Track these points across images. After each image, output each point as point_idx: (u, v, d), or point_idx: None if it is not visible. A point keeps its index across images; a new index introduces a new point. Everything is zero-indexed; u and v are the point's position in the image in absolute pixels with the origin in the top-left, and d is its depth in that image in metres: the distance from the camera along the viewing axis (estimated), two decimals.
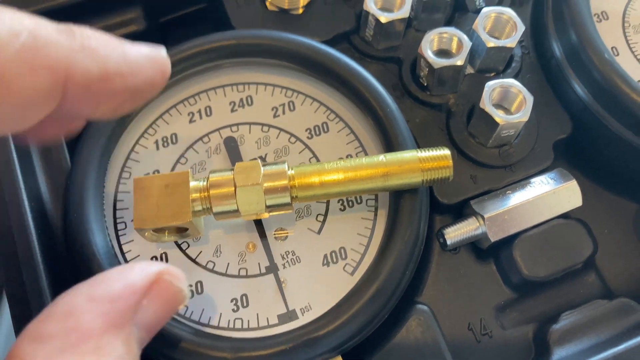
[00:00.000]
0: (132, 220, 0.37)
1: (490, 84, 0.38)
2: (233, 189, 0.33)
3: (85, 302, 0.24)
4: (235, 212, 0.33)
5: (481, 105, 0.38)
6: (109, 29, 0.44)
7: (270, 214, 0.35)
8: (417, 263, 0.36)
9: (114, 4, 0.43)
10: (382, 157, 0.34)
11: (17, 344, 0.23)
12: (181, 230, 0.34)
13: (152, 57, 0.28)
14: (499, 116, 0.37)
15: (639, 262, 0.42)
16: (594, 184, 0.44)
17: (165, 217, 0.32)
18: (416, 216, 0.35)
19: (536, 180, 0.40)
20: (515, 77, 0.42)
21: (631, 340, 0.34)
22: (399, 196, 0.36)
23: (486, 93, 0.38)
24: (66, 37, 0.24)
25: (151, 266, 0.27)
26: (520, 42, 0.44)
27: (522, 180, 0.40)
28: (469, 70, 0.42)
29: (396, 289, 0.34)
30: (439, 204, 0.39)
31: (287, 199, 0.33)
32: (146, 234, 0.33)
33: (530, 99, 0.38)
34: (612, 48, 0.43)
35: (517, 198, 0.39)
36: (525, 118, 0.38)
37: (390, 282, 0.34)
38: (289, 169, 0.34)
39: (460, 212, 0.40)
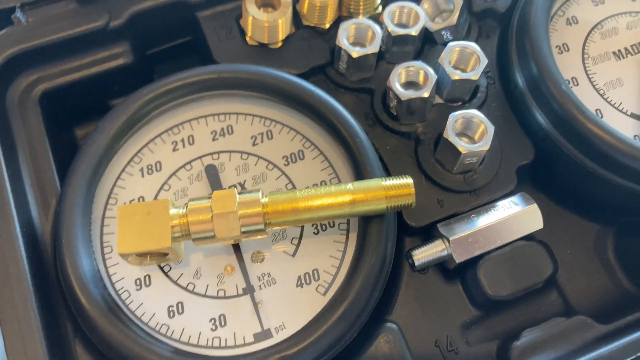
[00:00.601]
0: None
1: (453, 114, 0.41)
2: (210, 215, 0.35)
3: None
4: (212, 238, 0.36)
5: (445, 135, 0.40)
6: (97, 62, 0.46)
7: (246, 238, 0.37)
8: (385, 283, 0.38)
9: (102, 39, 0.45)
10: (349, 186, 0.36)
11: None
12: (162, 255, 0.36)
13: None
14: (461, 145, 0.40)
15: (600, 280, 0.45)
16: (558, 206, 0.47)
17: (146, 242, 0.35)
18: (383, 240, 0.37)
19: (500, 204, 0.43)
20: (481, 106, 0.45)
21: (585, 355, 0.37)
22: (366, 221, 0.38)
23: (449, 124, 0.41)
24: None
25: None
26: (486, 72, 0.47)
27: (486, 204, 0.42)
28: (437, 100, 0.45)
29: (364, 308, 0.37)
30: (408, 227, 0.42)
31: (261, 226, 0.36)
32: (129, 258, 0.36)
33: (491, 128, 0.41)
34: (572, 78, 0.46)
35: (481, 221, 0.41)
36: (487, 147, 0.40)
37: (358, 302, 0.36)
38: (262, 197, 0.36)
39: (428, 234, 0.43)
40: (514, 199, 0.43)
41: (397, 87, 0.42)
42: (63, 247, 0.37)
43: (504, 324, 0.42)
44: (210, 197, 0.36)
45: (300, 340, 0.35)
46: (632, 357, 0.36)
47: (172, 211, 0.36)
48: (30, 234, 0.39)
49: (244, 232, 0.36)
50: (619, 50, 0.47)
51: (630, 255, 0.45)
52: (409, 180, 0.36)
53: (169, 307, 0.38)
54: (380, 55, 0.45)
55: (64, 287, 0.37)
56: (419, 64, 0.43)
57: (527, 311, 0.42)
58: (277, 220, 0.36)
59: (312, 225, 0.40)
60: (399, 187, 0.36)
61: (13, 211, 0.38)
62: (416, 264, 0.41)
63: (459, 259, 0.40)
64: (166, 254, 0.36)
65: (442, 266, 0.43)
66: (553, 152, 0.44)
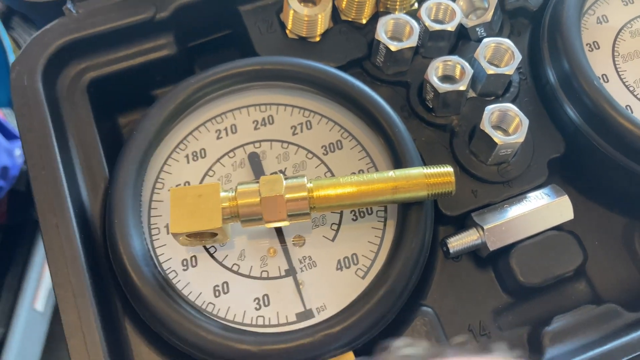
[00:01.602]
0: (165, 226, 0.41)
1: (489, 107, 0.42)
2: (259, 199, 0.37)
3: None
4: (260, 220, 0.37)
5: (481, 126, 0.42)
6: (141, 53, 0.48)
7: (291, 222, 0.38)
8: (422, 269, 0.40)
9: (148, 31, 0.47)
10: (391, 173, 0.38)
11: None
12: (212, 235, 0.38)
13: None
14: (497, 137, 0.41)
15: (627, 271, 0.46)
16: (587, 199, 0.48)
17: (198, 223, 0.36)
18: (422, 227, 0.39)
19: (532, 195, 0.44)
20: (513, 100, 0.46)
21: (615, 341, 0.38)
22: (406, 208, 0.40)
23: (486, 116, 0.42)
24: None
25: None
26: (518, 68, 0.48)
27: (518, 195, 0.44)
28: (471, 94, 0.46)
29: (403, 291, 0.38)
30: (443, 216, 0.43)
31: (306, 209, 0.37)
32: (180, 238, 0.37)
33: (525, 121, 0.42)
34: (602, 75, 0.47)
35: (514, 211, 0.43)
36: (521, 139, 0.42)
37: (397, 285, 0.38)
38: (308, 182, 0.38)
39: (462, 223, 0.44)
40: (545, 190, 0.44)
41: (435, 80, 0.43)
42: (115, 227, 0.39)
43: (535, 311, 0.43)
44: (258, 182, 0.38)
45: (343, 320, 0.37)
46: None
47: (222, 194, 0.37)
48: (82, 215, 0.41)
49: (289, 215, 0.37)
50: None
51: None
52: (449, 169, 0.38)
53: (214, 287, 0.39)
54: (416, 50, 0.47)
55: (115, 265, 0.39)
56: (455, 58, 0.44)
57: (557, 299, 0.44)
58: (321, 205, 0.38)
59: (351, 212, 0.42)
60: (440, 175, 0.38)
61: (66, 193, 0.40)
62: (451, 251, 0.42)
63: (492, 247, 0.42)
64: (215, 235, 0.38)
65: (474, 254, 0.44)
66: (583, 146, 0.45)
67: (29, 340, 1.05)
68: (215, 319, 0.38)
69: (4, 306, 1.04)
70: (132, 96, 0.49)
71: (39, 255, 1.09)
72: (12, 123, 0.97)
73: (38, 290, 1.09)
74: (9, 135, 0.94)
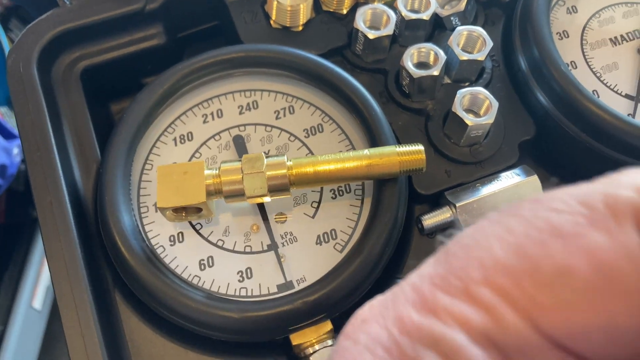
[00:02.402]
0: (153, 204, 0.43)
1: (461, 91, 0.45)
2: (241, 175, 0.39)
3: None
4: (242, 196, 0.40)
5: (453, 109, 0.44)
6: (133, 42, 0.50)
7: (272, 198, 0.41)
8: (397, 243, 0.42)
9: (139, 21, 0.49)
10: (366, 151, 0.40)
11: None
12: (197, 211, 0.40)
13: None
14: (468, 119, 0.44)
15: None
16: (557, 179, 0.50)
17: (183, 198, 0.39)
18: (395, 202, 0.41)
19: (503, 175, 0.46)
20: (486, 86, 0.49)
21: None
22: (381, 185, 0.42)
23: (457, 99, 0.44)
24: None
25: None
26: (491, 56, 0.50)
27: (490, 175, 0.46)
28: (446, 80, 0.49)
29: (377, 263, 0.40)
30: (418, 195, 0.45)
31: (286, 185, 0.40)
32: (167, 213, 0.40)
33: (495, 104, 0.45)
34: (571, 62, 0.50)
35: (485, 190, 0.45)
36: (491, 120, 0.44)
37: (371, 256, 0.40)
38: (287, 160, 0.40)
39: (436, 202, 0.46)
40: (517, 170, 0.46)
41: (410, 66, 0.46)
42: (106, 204, 0.41)
43: None
44: (240, 160, 0.40)
45: (320, 288, 0.39)
46: None
47: (207, 171, 0.40)
48: (75, 194, 0.43)
49: (270, 191, 0.40)
50: (615, 37, 0.51)
51: None
52: (420, 147, 0.40)
53: (200, 261, 0.42)
54: (394, 39, 0.49)
55: (105, 240, 0.41)
56: (429, 45, 0.46)
57: None
58: (300, 181, 0.40)
59: (330, 190, 0.44)
60: (411, 153, 0.40)
61: (60, 173, 0.42)
62: (425, 228, 0.44)
63: (464, 223, 0.44)
64: (200, 210, 0.40)
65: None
66: (553, 129, 0.47)
67: (26, 339, 1.06)
68: (201, 289, 0.41)
69: (2, 304, 1.06)
70: (124, 84, 0.52)
71: (37, 254, 1.11)
72: (10, 122, 0.99)
73: (36, 289, 1.10)
74: (7, 135, 0.96)
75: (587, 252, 0.16)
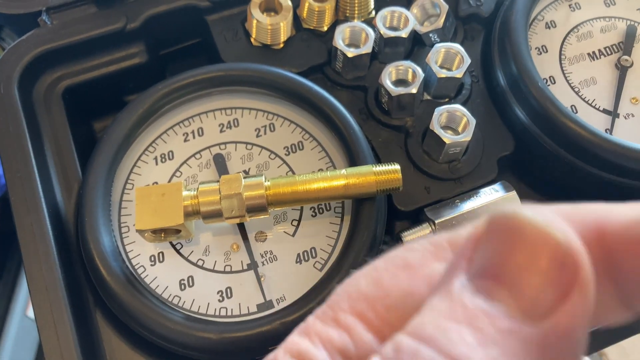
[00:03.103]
0: (134, 224, 0.44)
1: (438, 109, 0.45)
2: (218, 197, 0.40)
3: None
4: (220, 217, 0.40)
5: (431, 127, 0.45)
6: (115, 61, 0.50)
7: (250, 218, 0.41)
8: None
9: (120, 40, 0.50)
10: (343, 171, 0.41)
11: None
12: (175, 232, 0.41)
13: None
14: (445, 136, 0.44)
15: None
16: (537, 194, 0.51)
17: (161, 220, 0.39)
18: (373, 220, 0.41)
19: (482, 191, 0.47)
20: (465, 102, 0.49)
21: None
22: (359, 204, 0.42)
23: (435, 117, 0.45)
24: None
25: None
26: (470, 71, 0.51)
27: (470, 191, 0.47)
28: (425, 96, 0.49)
29: None
30: (399, 211, 0.46)
31: (264, 206, 0.40)
32: (146, 234, 0.40)
33: (472, 121, 0.45)
34: (549, 77, 0.50)
35: (465, 206, 0.45)
36: (469, 137, 0.45)
37: (350, 275, 0.40)
38: (265, 181, 0.40)
39: (417, 218, 0.47)
40: (496, 186, 0.47)
41: (388, 84, 0.46)
42: (86, 225, 0.41)
43: None
44: (218, 181, 0.40)
45: (298, 308, 0.39)
46: None
47: (185, 193, 0.40)
48: (56, 215, 0.43)
49: (248, 212, 0.40)
50: (593, 52, 0.51)
51: None
52: (396, 167, 0.41)
53: (180, 281, 0.42)
54: (373, 56, 0.50)
55: (86, 261, 0.42)
56: (407, 63, 0.47)
57: None
58: (278, 201, 0.40)
59: (310, 209, 0.45)
60: (388, 172, 0.40)
61: (40, 194, 0.43)
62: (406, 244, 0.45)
63: None
64: (179, 231, 0.40)
65: None
66: (531, 145, 0.48)
67: (21, 348, 1.06)
68: (181, 310, 0.41)
69: None
70: (106, 102, 0.52)
71: None
72: None
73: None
74: None
75: (427, 277, 0.20)
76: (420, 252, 0.21)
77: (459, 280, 0.19)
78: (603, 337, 0.42)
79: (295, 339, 0.20)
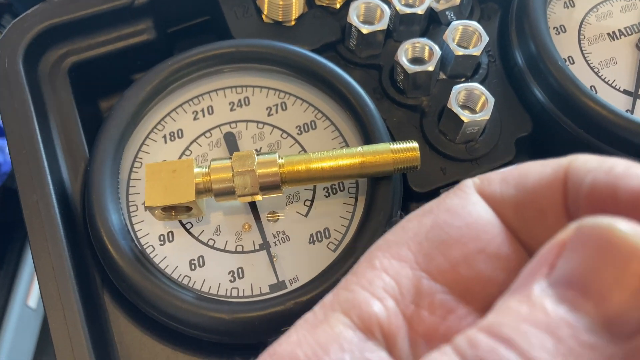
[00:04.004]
0: (142, 203, 0.42)
1: (456, 87, 0.44)
2: (231, 174, 0.38)
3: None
4: (233, 194, 0.39)
5: (448, 105, 0.43)
6: (121, 38, 0.49)
7: (263, 196, 0.40)
8: None
9: (127, 16, 0.48)
10: (359, 149, 0.39)
11: None
12: (186, 210, 0.39)
13: None
14: (463, 115, 0.43)
15: None
16: None
17: (172, 197, 0.38)
18: (389, 200, 0.40)
19: None
20: (482, 82, 0.48)
21: None
22: (375, 184, 0.41)
23: (453, 95, 0.43)
24: None
25: None
26: (487, 51, 0.50)
27: (486, 172, 0.45)
28: (441, 76, 0.48)
29: None
30: (414, 193, 0.45)
31: (278, 183, 0.39)
32: (156, 212, 0.39)
33: (491, 99, 0.44)
34: (568, 57, 0.49)
35: None
36: (487, 116, 0.43)
37: None
38: (279, 158, 0.39)
39: (432, 199, 0.45)
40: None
41: (404, 62, 0.45)
42: (93, 203, 0.40)
43: None
44: (230, 158, 0.39)
45: (312, 289, 0.38)
46: None
47: (196, 169, 0.39)
48: (62, 193, 0.42)
49: (261, 190, 0.39)
50: (613, 32, 0.50)
51: None
52: (414, 144, 0.39)
53: (190, 261, 0.41)
54: (388, 34, 0.48)
55: (93, 239, 0.40)
56: (424, 40, 0.46)
57: None
58: (292, 179, 0.39)
59: (323, 189, 0.43)
60: (405, 150, 0.39)
61: (47, 171, 0.41)
62: None
63: None
64: (190, 209, 0.39)
65: None
66: (550, 125, 0.47)
67: (21, 337, 1.05)
68: (191, 290, 0.40)
69: None
70: (113, 80, 0.50)
71: None
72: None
73: (31, 287, 1.09)
74: (1, 132, 0.95)
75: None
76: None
77: (539, 285, 0.18)
78: None
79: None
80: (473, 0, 0.51)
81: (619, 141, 0.44)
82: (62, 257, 0.39)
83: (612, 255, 0.17)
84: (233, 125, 0.46)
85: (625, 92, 0.48)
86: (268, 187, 0.39)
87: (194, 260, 0.41)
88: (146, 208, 0.39)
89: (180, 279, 0.40)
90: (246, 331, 0.37)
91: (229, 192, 0.39)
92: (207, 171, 0.39)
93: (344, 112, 0.45)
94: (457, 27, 0.46)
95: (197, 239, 0.42)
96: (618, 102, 0.47)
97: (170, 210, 0.39)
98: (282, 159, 0.39)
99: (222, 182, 0.38)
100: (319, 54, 0.47)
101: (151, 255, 0.41)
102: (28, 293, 1.09)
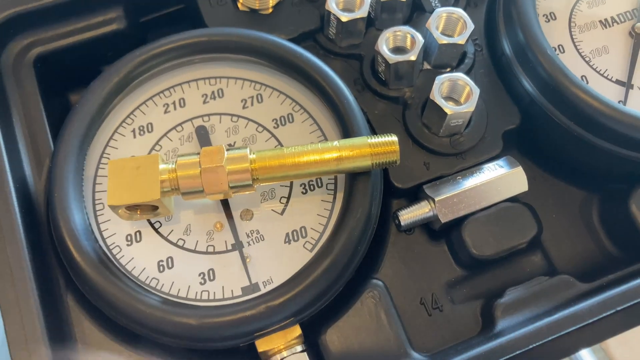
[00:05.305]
0: None
1: (440, 77, 0.42)
2: (199, 170, 0.36)
3: None
4: (201, 192, 0.37)
5: (431, 96, 0.41)
6: (90, 28, 0.47)
7: (234, 194, 0.38)
8: (370, 240, 0.39)
9: (96, 4, 0.46)
10: (335, 143, 0.37)
11: None
12: (152, 209, 0.37)
13: None
14: (447, 107, 0.41)
15: (584, 243, 0.45)
16: (544, 172, 0.47)
17: (136, 195, 0.35)
18: (368, 197, 0.38)
19: (486, 166, 0.43)
20: (468, 72, 0.46)
21: (565, 311, 0.37)
22: (353, 179, 0.39)
23: (436, 86, 0.41)
24: None
25: None
26: (474, 40, 0.47)
27: (472, 167, 0.43)
28: (425, 66, 0.46)
29: (349, 263, 0.37)
30: (395, 189, 0.42)
31: (249, 180, 0.37)
32: (119, 211, 0.37)
33: (476, 90, 0.42)
34: (558, 46, 0.47)
35: (467, 183, 0.42)
36: (472, 108, 0.41)
37: (342, 256, 0.37)
38: (250, 153, 0.37)
39: (414, 196, 0.43)
40: (500, 162, 0.43)
41: (385, 51, 0.43)
42: (55, 201, 0.38)
43: (488, 283, 0.43)
44: (198, 154, 0.37)
45: (285, 292, 0.36)
46: (612, 311, 0.37)
47: (162, 166, 0.36)
48: (24, 192, 0.40)
49: (232, 187, 0.37)
50: (605, 19, 0.48)
51: (614, 221, 0.45)
52: (393, 138, 0.37)
53: (159, 262, 0.39)
54: (370, 23, 0.46)
55: (55, 240, 0.38)
56: (406, 28, 0.43)
57: (511, 271, 0.43)
58: (265, 176, 0.37)
59: (300, 185, 0.41)
60: (384, 144, 0.37)
61: (7, 169, 0.39)
62: (402, 224, 0.42)
63: (444, 219, 0.41)
64: (156, 208, 0.37)
65: (428, 227, 0.44)
66: (539, 117, 0.45)
67: None
68: (159, 294, 0.38)
69: None
70: (83, 72, 0.48)
71: None
72: None
73: None
74: None
75: None
76: None
77: None
78: (604, 329, 0.39)
79: None
80: None
81: (610, 134, 0.42)
82: (21, 259, 0.37)
83: None
84: (206, 118, 0.43)
85: (618, 82, 0.45)
86: (239, 184, 0.37)
87: (162, 261, 0.39)
88: (109, 206, 0.36)
89: (147, 281, 0.38)
90: (215, 337, 0.35)
91: (196, 190, 0.36)
92: (174, 167, 0.36)
93: (322, 105, 0.43)
94: (440, 15, 0.44)
95: (166, 239, 0.39)
96: (610, 93, 0.45)
97: (135, 209, 0.37)
98: (253, 154, 0.37)
99: (189, 178, 0.36)
100: (297, 43, 0.45)
101: (117, 257, 0.39)
102: None
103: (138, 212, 0.37)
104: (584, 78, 0.45)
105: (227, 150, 0.37)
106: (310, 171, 0.37)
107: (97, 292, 0.36)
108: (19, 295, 0.36)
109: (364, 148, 0.37)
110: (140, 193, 0.35)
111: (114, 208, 0.36)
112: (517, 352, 0.36)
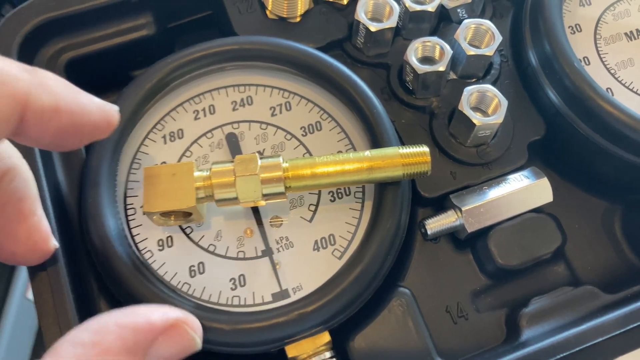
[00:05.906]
0: (141, 207, 0.41)
1: (468, 88, 0.42)
2: (233, 178, 0.37)
3: (113, 325, 0.29)
4: (235, 200, 0.37)
5: (460, 107, 0.42)
6: (121, 33, 0.47)
7: (266, 201, 0.38)
8: (399, 250, 0.40)
9: (127, 11, 0.46)
10: (367, 153, 0.38)
11: (60, 341, 0.28)
12: (186, 215, 0.38)
13: (102, 106, 0.33)
14: (475, 118, 0.41)
15: (607, 254, 0.46)
16: (567, 182, 0.48)
17: (171, 202, 0.36)
18: (398, 207, 0.39)
19: (511, 177, 0.44)
20: (494, 83, 0.46)
21: (590, 322, 0.38)
22: (382, 189, 0.39)
23: (464, 97, 0.42)
24: (28, 75, 0.29)
25: (173, 312, 0.31)
26: (500, 51, 0.48)
27: (498, 177, 0.44)
28: (452, 76, 0.46)
29: (378, 271, 0.38)
30: (422, 198, 0.43)
31: (282, 189, 0.37)
32: (154, 217, 0.37)
33: (504, 102, 0.42)
34: (584, 58, 0.47)
35: (493, 193, 0.43)
36: (500, 120, 0.42)
37: (372, 265, 0.37)
38: (283, 162, 0.38)
39: (441, 205, 0.44)
40: (525, 172, 0.44)
41: (414, 61, 0.43)
42: (89, 207, 0.38)
43: (513, 293, 0.43)
44: (233, 161, 0.37)
45: (317, 299, 0.37)
46: (637, 324, 0.38)
47: (197, 173, 0.37)
48: (57, 196, 0.41)
49: (264, 195, 0.37)
50: (631, 32, 0.48)
51: (637, 232, 0.46)
52: (425, 149, 0.38)
53: (190, 267, 0.39)
54: (397, 32, 0.47)
55: (89, 246, 0.39)
56: (435, 39, 0.44)
57: (536, 281, 0.44)
58: (297, 184, 0.37)
59: (329, 193, 0.42)
60: (416, 155, 0.37)
61: (42, 174, 0.40)
62: (429, 233, 0.42)
63: (470, 228, 0.42)
64: (190, 214, 0.38)
65: (453, 236, 0.44)
66: (564, 129, 0.45)
67: (21, 330, 1.04)
68: (191, 298, 0.38)
69: None
70: (112, 77, 0.49)
71: None
72: None
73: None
74: None
75: None
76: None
77: None
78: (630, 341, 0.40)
79: None
80: None
81: (636, 146, 0.42)
82: (56, 264, 0.37)
83: None
84: (235, 125, 0.44)
85: None
86: (272, 192, 0.37)
87: (193, 266, 0.39)
88: (144, 213, 0.37)
89: (179, 286, 0.39)
90: (248, 342, 0.36)
91: (230, 198, 0.37)
92: (208, 175, 0.37)
93: (350, 113, 0.44)
94: (469, 26, 0.44)
95: (197, 244, 0.40)
96: (636, 105, 0.45)
97: (169, 215, 0.38)
98: (286, 162, 0.38)
99: (224, 186, 0.37)
100: (325, 52, 0.45)
101: (149, 261, 0.39)
102: (27, 286, 1.08)
103: (172, 218, 0.38)
104: (609, 90, 0.46)
105: (261, 158, 0.37)
106: (341, 180, 0.38)
107: (132, 297, 0.37)
108: (54, 298, 0.36)
109: (395, 158, 0.37)
110: (176, 200, 0.36)
111: (149, 214, 0.37)
112: None
